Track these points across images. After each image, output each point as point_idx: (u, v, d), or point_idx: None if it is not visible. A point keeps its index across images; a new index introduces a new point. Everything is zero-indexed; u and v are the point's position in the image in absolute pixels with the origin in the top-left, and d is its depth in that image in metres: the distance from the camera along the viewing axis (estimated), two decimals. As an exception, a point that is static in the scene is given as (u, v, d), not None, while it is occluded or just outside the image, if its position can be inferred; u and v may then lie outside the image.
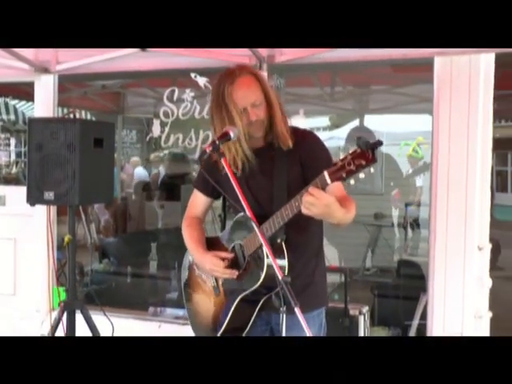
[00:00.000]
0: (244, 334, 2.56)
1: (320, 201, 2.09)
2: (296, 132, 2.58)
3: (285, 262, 2.36)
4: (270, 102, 2.48)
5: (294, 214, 2.23)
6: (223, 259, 2.53)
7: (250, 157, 2.50)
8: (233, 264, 2.54)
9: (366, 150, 1.95)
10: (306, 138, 2.57)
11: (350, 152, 2.00)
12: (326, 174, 2.06)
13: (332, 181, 2.05)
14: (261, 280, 2.40)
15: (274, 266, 2.13)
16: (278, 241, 2.37)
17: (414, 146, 7.33)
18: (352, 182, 2.06)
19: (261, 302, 2.50)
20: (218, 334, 2.61)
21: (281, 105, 2.54)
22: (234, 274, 2.51)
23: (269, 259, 2.35)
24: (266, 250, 2.32)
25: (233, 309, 2.55)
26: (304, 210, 2.14)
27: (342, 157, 2.02)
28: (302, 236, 2.53)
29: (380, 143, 1.95)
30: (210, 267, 2.55)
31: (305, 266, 2.55)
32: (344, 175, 2.01)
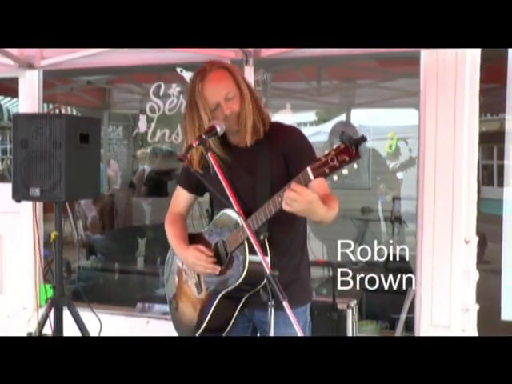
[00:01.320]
0: (226, 332, 2.54)
1: (302, 197, 2.06)
2: (280, 127, 2.56)
3: (267, 259, 2.30)
4: (242, 95, 2.44)
5: (276, 210, 2.19)
6: (203, 252, 2.50)
7: (223, 156, 2.48)
8: (215, 261, 2.51)
9: (350, 145, 1.93)
10: (289, 134, 2.54)
11: (334, 147, 1.98)
12: (309, 169, 2.03)
13: (315, 176, 2.02)
14: (243, 276, 2.37)
15: (262, 261, 2.12)
16: (261, 238, 2.33)
17: (390, 143, 7.29)
18: (335, 177, 2.01)
19: (243, 299, 2.48)
20: (199, 332, 2.58)
21: (257, 98, 2.51)
22: (217, 269, 2.47)
23: (250, 255, 2.33)
24: (247, 246, 2.31)
25: (214, 306, 2.52)
26: (285, 207, 2.10)
27: (326, 152, 2.00)
28: (287, 233, 2.51)
29: (364, 139, 1.92)
30: (192, 261, 2.52)
31: (290, 262, 2.53)
32: (327, 171, 1.98)
